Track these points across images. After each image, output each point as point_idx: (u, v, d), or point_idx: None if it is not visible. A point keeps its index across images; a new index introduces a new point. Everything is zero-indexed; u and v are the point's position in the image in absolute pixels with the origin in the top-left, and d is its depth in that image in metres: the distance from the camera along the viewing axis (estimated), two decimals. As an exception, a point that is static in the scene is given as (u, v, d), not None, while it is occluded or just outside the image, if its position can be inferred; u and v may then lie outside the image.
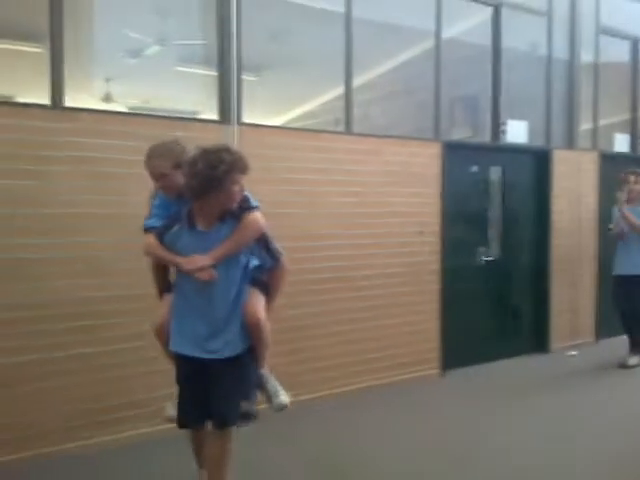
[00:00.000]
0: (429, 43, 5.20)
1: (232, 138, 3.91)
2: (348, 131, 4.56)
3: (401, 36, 5.58)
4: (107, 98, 5.76)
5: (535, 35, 5.90)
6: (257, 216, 2.45)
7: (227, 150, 2.37)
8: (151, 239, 2.50)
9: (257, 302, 2.49)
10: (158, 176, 2.60)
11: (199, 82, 4.53)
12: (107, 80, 5.94)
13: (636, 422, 3.96)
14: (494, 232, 5.60)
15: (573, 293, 5.99)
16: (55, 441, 3.40)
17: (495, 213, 5.61)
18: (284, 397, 2.58)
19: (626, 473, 3.23)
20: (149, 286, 3.57)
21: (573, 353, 5.76)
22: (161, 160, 2.57)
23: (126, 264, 3.55)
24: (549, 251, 5.78)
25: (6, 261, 3.26)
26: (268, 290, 2.58)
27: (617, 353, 5.46)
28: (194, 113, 4.41)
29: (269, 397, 2.62)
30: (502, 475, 3.23)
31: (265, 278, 2.57)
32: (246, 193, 2.46)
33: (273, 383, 2.64)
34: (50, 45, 3.43)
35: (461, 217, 5.21)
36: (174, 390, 2.67)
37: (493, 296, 5.55)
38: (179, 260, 2.44)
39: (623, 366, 5.24)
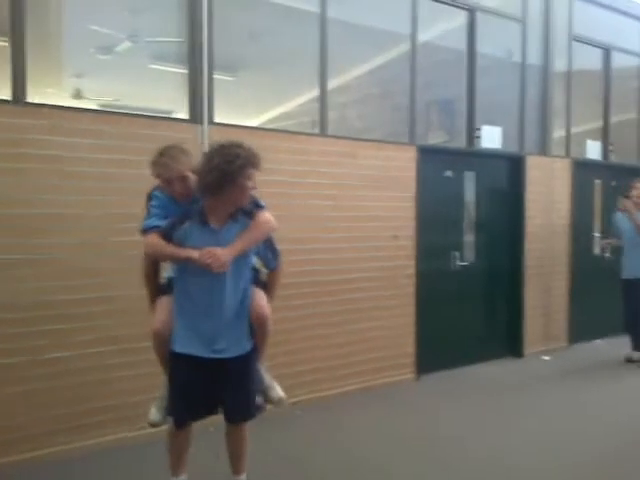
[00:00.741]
0: (405, 46, 5.18)
1: (202, 138, 3.82)
2: (323, 133, 4.50)
3: (377, 39, 5.57)
4: (77, 95, 5.61)
5: (510, 41, 5.94)
6: (268, 215, 2.52)
7: (241, 146, 2.39)
8: (154, 238, 2.43)
9: (261, 299, 2.56)
10: (177, 178, 2.53)
11: (171, 80, 4.43)
12: (78, 76, 5.78)
13: (610, 426, 3.97)
14: (469, 237, 5.59)
15: (546, 298, 6.02)
16: (33, 446, 3.31)
17: (470, 218, 5.61)
18: (280, 391, 2.65)
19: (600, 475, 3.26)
20: (119, 288, 3.52)
21: (547, 357, 5.78)
22: (180, 163, 2.54)
23: (94, 265, 3.46)
24: (522, 256, 5.81)
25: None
26: (267, 290, 2.64)
27: (590, 357, 5.50)
28: (167, 112, 4.30)
29: (264, 391, 2.65)
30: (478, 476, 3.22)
31: (264, 278, 2.65)
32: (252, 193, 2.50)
33: (268, 378, 2.69)
34: (11, 38, 3.30)
35: (436, 222, 5.19)
36: (158, 394, 2.65)
37: (467, 300, 5.54)
38: (194, 254, 2.37)
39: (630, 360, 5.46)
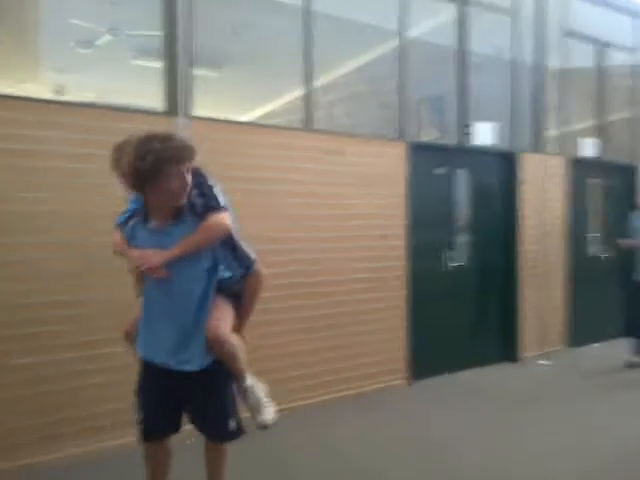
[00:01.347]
0: (394, 42, 5.03)
1: (179, 131, 3.63)
2: (309, 128, 4.32)
3: (365, 35, 5.43)
4: (59, 90, 5.41)
5: (501, 36, 5.81)
6: (221, 217, 2.15)
7: (163, 138, 2.06)
8: (117, 235, 2.27)
9: (220, 316, 2.21)
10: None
11: (152, 74, 4.25)
12: (58, 71, 5.60)
13: (610, 438, 3.76)
14: (461, 236, 5.42)
15: (542, 300, 5.85)
16: (23, 454, 3.14)
17: (462, 217, 5.43)
18: (267, 414, 2.29)
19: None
20: (93, 290, 3.33)
21: (543, 362, 5.60)
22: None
23: (68, 267, 3.29)
24: (517, 256, 5.64)
25: None
26: (240, 300, 2.32)
27: (589, 361, 5.32)
28: (148, 107, 4.11)
29: (252, 412, 2.35)
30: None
31: (238, 288, 2.30)
32: (215, 189, 2.20)
33: (257, 396, 2.33)
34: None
35: (427, 220, 5.01)
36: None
37: (460, 303, 5.36)
38: (130, 254, 2.19)
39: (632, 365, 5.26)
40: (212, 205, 2.15)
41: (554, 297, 5.96)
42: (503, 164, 5.70)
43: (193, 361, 2.20)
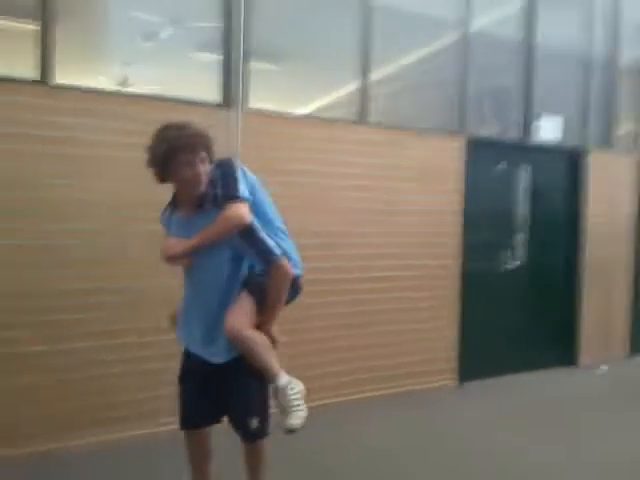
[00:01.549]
0: (456, 35, 4.88)
1: (235, 124, 3.66)
2: (364, 121, 4.26)
3: (426, 27, 5.28)
4: (122, 83, 5.60)
5: (573, 28, 5.52)
6: (238, 208, 2.08)
7: (179, 127, 2.10)
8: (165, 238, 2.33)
9: (238, 310, 2.15)
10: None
11: (210, 66, 4.30)
12: (124, 64, 5.78)
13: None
14: (521, 236, 5.21)
15: (606, 304, 5.56)
16: (50, 439, 3.22)
17: (522, 215, 5.22)
18: (294, 419, 2.13)
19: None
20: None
21: (603, 368, 5.33)
22: None
23: (114, 253, 3.35)
24: (581, 258, 5.38)
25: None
26: (263, 296, 2.19)
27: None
28: (206, 99, 4.16)
29: (281, 413, 2.21)
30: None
31: (263, 283, 2.20)
32: (240, 180, 2.14)
33: (288, 398, 2.15)
34: (41, 20, 3.24)
35: (484, 218, 4.85)
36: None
37: (517, 304, 5.17)
38: (161, 245, 2.23)
39: None
40: (230, 195, 2.10)
41: (618, 301, 5.66)
42: (569, 162, 5.44)
43: (219, 354, 2.20)
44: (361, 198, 4.18)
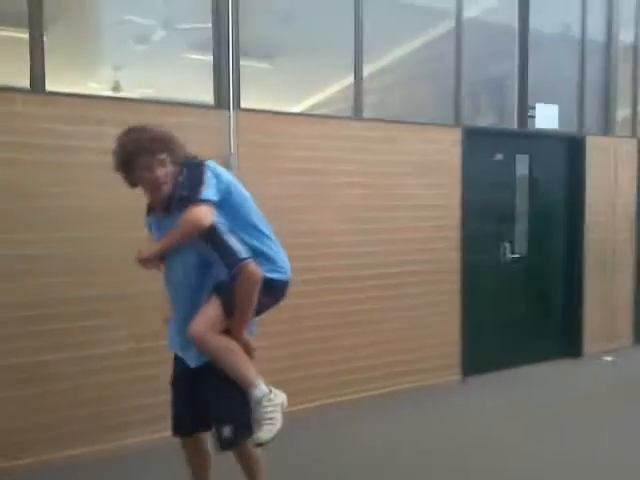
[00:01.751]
0: (449, 24, 4.83)
1: (228, 124, 3.65)
2: (358, 117, 4.23)
3: (419, 17, 5.24)
4: (116, 87, 5.58)
5: (567, 12, 5.46)
6: (198, 211, 2.00)
7: (138, 130, 2.09)
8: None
9: (202, 314, 2.09)
10: None
11: (203, 67, 4.28)
12: (116, 68, 5.76)
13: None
14: (521, 226, 5.18)
15: (609, 292, 5.53)
16: (55, 448, 3.23)
17: (522, 205, 5.19)
18: (264, 432, 2.04)
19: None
20: (143, 283, 3.39)
21: (608, 358, 5.30)
22: None
23: (114, 261, 3.33)
24: (582, 246, 5.34)
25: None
26: (232, 301, 2.08)
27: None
28: (200, 100, 4.15)
29: (255, 424, 2.11)
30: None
31: (232, 287, 2.09)
32: (207, 179, 2.07)
33: (262, 410, 2.07)
34: (29, 28, 3.21)
35: (484, 210, 4.82)
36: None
37: (519, 295, 5.14)
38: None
39: None
40: (192, 198, 2.02)
41: (622, 289, 5.62)
42: (568, 148, 5.39)
43: (193, 358, 2.18)
44: (358, 195, 4.15)
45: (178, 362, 2.30)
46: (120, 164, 2.09)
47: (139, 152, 2.03)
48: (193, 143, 3.47)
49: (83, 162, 3.28)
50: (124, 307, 3.38)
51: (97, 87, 5.43)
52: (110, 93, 5.12)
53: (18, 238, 3.13)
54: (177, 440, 2.40)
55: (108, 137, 3.28)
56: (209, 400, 2.19)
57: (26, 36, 3.22)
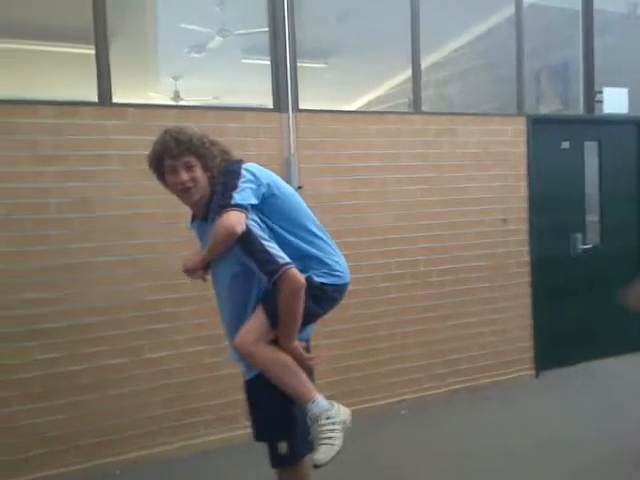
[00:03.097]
0: (509, 10, 4.67)
1: (287, 126, 3.66)
2: (417, 110, 4.15)
3: (477, 5, 5.11)
4: (176, 96, 5.74)
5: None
6: (228, 218, 1.86)
7: (169, 131, 1.97)
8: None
9: (247, 326, 1.95)
10: None
11: (261, 71, 4.33)
12: (175, 77, 5.93)
13: None
14: (592, 216, 4.94)
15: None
16: (135, 447, 3.35)
17: (592, 194, 4.95)
18: (321, 452, 1.87)
19: None
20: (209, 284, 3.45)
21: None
22: None
23: (179, 264, 3.39)
24: (659, 237, 5.05)
25: (65, 267, 3.20)
26: (274, 310, 1.92)
27: None
28: (259, 104, 4.18)
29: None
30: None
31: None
32: (243, 182, 1.94)
33: (320, 428, 1.90)
34: (95, 43, 3.31)
35: (552, 201, 4.62)
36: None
37: (592, 288, 4.90)
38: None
39: None
40: (224, 204, 1.89)
41: None
42: (639, 134, 5.11)
43: (247, 371, 2.05)
44: (419, 190, 4.08)
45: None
46: (150, 166, 2.02)
47: (166, 153, 1.94)
48: (254, 146, 3.59)
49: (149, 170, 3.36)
50: (195, 309, 3.44)
51: (157, 97, 5.60)
52: (172, 102, 5.28)
53: (88, 247, 3.24)
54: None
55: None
56: (257, 410, 2.08)
57: (91, 51, 3.33)
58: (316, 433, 1.90)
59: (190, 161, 1.94)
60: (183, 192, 1.97)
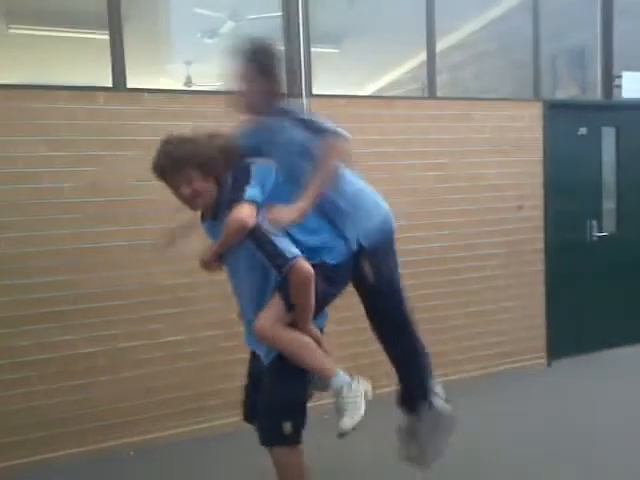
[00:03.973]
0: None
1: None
2: (432, 95, 4.11)
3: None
4: (188, 81, 5.73)
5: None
6: (240, 211, 1.91)
7: (172, 142, 2.03)
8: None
9: (265, 312, 2.03)
10: None
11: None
12: (187, 63, 5.91)
13: None
14: (608, 203, 4.89)
15: None
16: (147, 429, 3.39)
17: (609, 181, 4.89)
18: (346, 421, 1.98)
19: None
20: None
21: None
22: None
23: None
24: (677, 223, 4.98)
25: (80, 250, 3.23)
26: (289, 297, 2.00)
27: None
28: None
29: (337, 414, 2.06)
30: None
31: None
32: (252, 176, 2.00)
33: (343, 400, 2.01)
34: (109, 28, 3.31)
35: (568, 187, 4.58)
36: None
37: (608, 275, 4.86)
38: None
39: None
40: (234, 199, 1.95)
41: None
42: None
43: (265, 354, 2.12)
44: (433, 176, 4.06)
45: (252, 358, 2.30)
46: (156, 172, 2.06)
47: (163, 173, 2.04)
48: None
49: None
50: (210, 294, 3.45)
51: (169, 82, 5.60)
52: (185, 87, 5.26)
53: (103, 231, 3.27)
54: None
55: (187, 130, 3.42)
56: (277, 394, 2.10)
57: (105, 37, 3.34)
58: (340, 404, 2.01)
59: (188, 174, 1.99)
60: (189, 203, 2.05)
